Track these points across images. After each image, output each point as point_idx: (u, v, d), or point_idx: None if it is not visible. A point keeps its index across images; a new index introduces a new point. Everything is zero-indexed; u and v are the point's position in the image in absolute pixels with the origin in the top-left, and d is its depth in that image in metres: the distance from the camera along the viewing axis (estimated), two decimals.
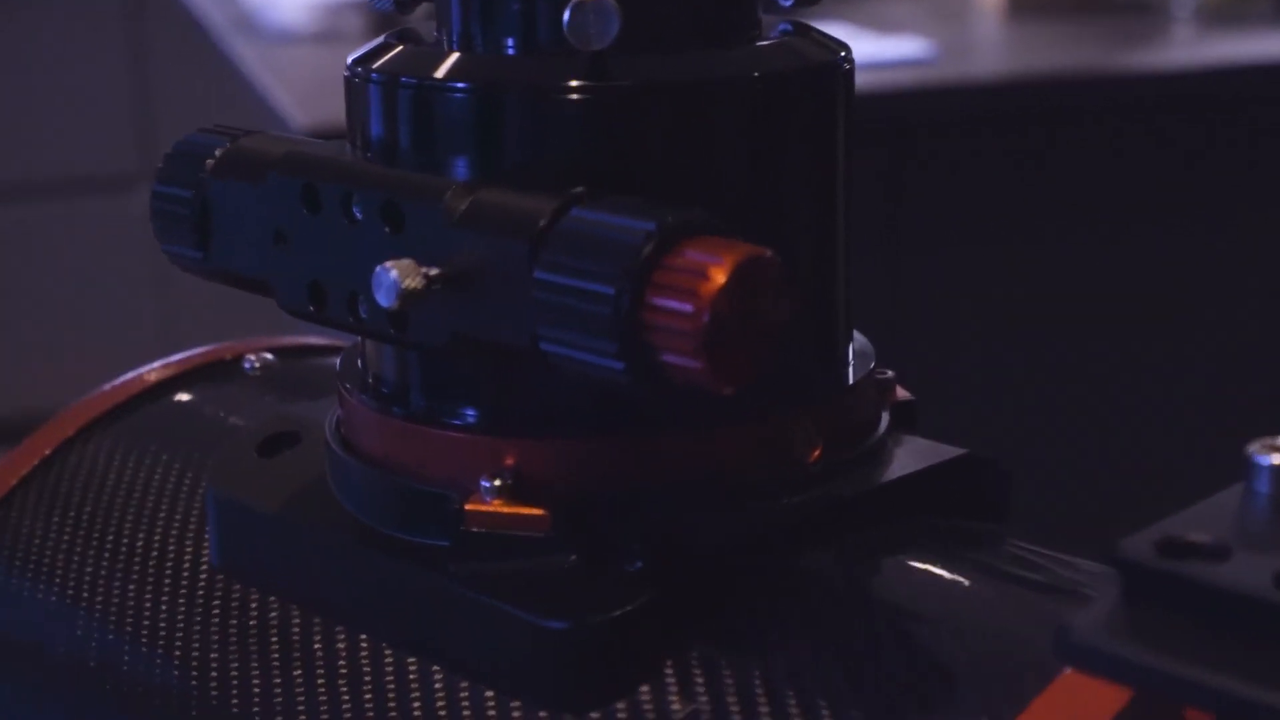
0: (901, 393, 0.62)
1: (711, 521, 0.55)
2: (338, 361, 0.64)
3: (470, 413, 0.56)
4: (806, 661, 0.51)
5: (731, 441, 0.56)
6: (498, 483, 0.55)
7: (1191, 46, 2.09)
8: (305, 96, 1.87)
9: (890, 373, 0.62)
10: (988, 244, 1.91)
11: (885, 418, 0.60)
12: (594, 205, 0.51)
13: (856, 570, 0.55)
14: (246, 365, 0.72)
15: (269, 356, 0.73)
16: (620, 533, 0.54)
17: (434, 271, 0.53)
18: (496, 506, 0.55)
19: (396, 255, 0.53)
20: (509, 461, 0.55)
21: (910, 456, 0.59)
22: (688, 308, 0.48)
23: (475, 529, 0.55)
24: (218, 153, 0.59)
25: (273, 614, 0.59)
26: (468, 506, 0.55)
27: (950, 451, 0.59)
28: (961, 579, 0.55)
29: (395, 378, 0.58)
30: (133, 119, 3.05)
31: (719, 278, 0.48)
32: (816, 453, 0.57)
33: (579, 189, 0.52)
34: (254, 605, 0.60)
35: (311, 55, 2.10)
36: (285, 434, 0.63)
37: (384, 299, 0.52)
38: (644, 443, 0.55)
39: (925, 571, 0.55)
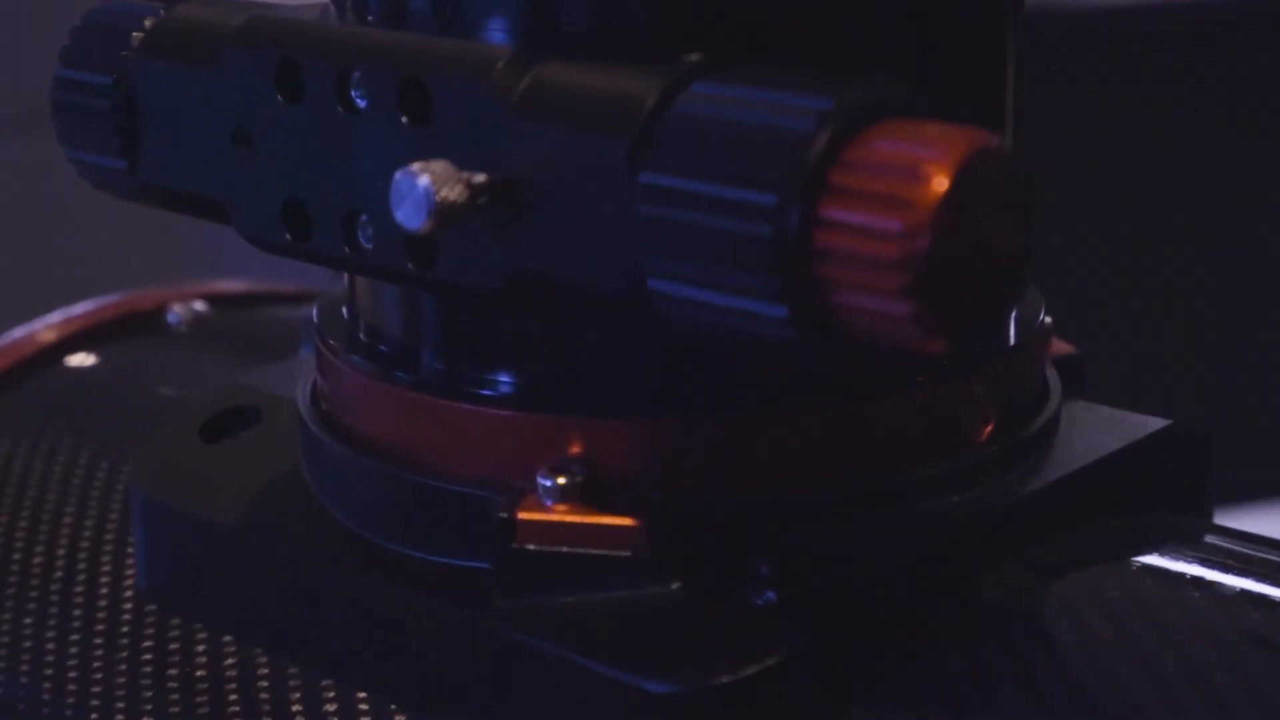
0: (1060, 345, 0.47)
1: (869, 531, 0.39)
2: (304, 312, 0.48)
3: (520, 380, 0.40)
4: None
5: (885, 419, 0.40)
6: (563, 480, 0.39)
7: None
8: None
9: (1048, 318, 0.46)
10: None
11: (1054, 379, 0.45)
12: (724, 78, 0.35)
13: (1070, 594, 0.39)
14: (172, 318, 0.56)
15: (200, 306, 0.57)
16: (742, 550, 0.38)
17: (480, 179, 0.36)
18: (562, 514, 0.39)
19: (420, 157, 0.37)
20: (576, 450, 0.39)
21: (1102, 431, 0.44)
22: (894, 225, 0.32)
23: (532, 546, 0.39)
24: (148, 24, 0.43)
25: (229, 661, 0.43)
26: (521, 515, 0.39)
27: (1151, 423, 0.44)
28: (1243, 606, 0.39)
29: (404, 331, 0.42)
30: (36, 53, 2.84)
31: (940, 180, 0.32)
32: (988, 430, 0.41)
33: (696, 56, 0.35)
34: (201, 648, 0.45)
35: None
36: (239, 410, 0.47)
37: (410, 217, 0.36)
38: (771, 423, 0.39)
39: (1177, 596, 0.39)
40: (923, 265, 0.32)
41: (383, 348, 0.43)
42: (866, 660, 0.37)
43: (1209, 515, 0.46)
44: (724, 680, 0.36)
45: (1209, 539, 0.42)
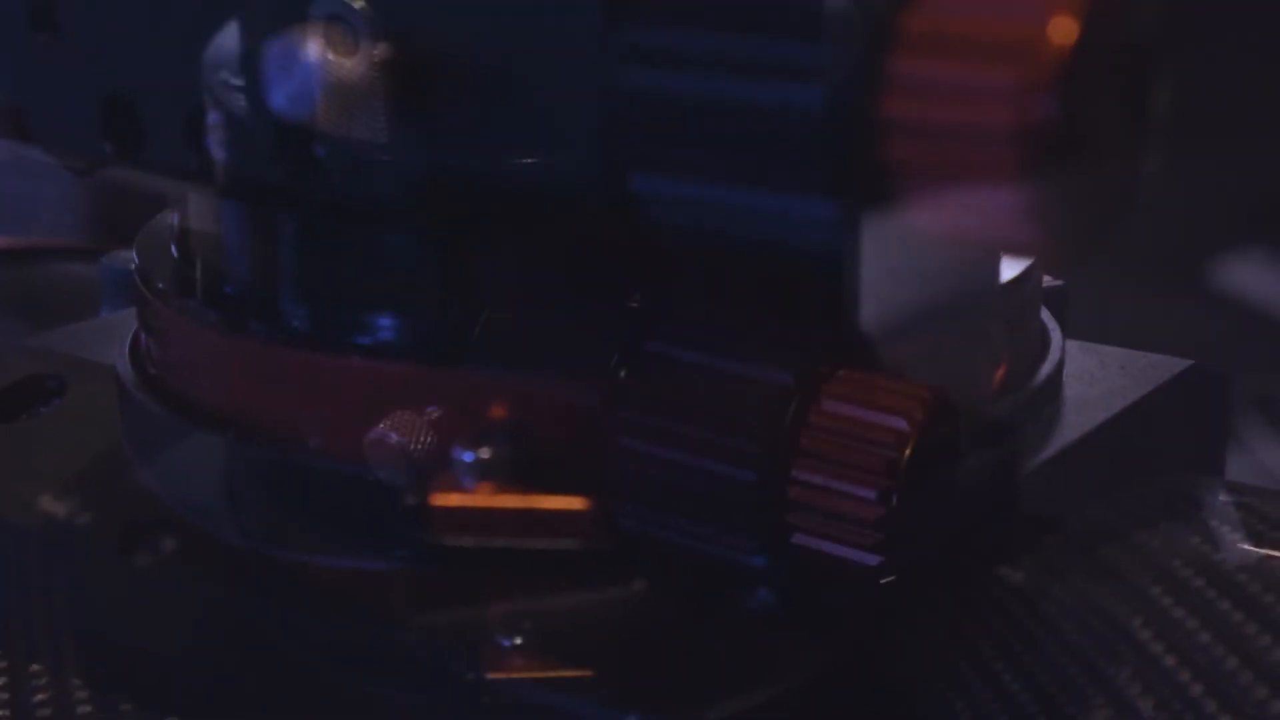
0: None
1: (904, 504, 0.30)
2: (105, 264, 0.39)
3: (420, 324, 0.31)
4: None
5: (898, 363, 0.31)
6: (486, 454, 0.30)
7: None
8: None
9: None
10: None
11: (1048, 315, 0.37)
12: None
13: (1131, 577, 0.31)
14: None
15: None
16: (728, 534, 0.29)
17: (383, 51, 0.27)
18: (490, 497, 0.30)
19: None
20: (499, 412, 0.30)
21: (1115, 375, 0.36)
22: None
23: (453, 543, 0.29)
24: None
25: (40, 697, 0.35)
26: (437, 500, 0.29)
27: (1171, 364, 0.37)
28: None
29: (259, 264, 0.33)
30: None
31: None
32: (1000, 374, 0.34)
33: None
34: (1, 680, 0.35)
35: None
36: (36, 380, 0.38)
37: (293, 102, 0.27)
38: (774, 365, 0.30)
39: (1268, 576, 0.31)
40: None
41: (230, 289, 0.33)
42: (898, 681, 0.29)
43: (1222, 472, 0.39)
44: (713, 714, 0.28)
45: (1263, 504, 0.35)
